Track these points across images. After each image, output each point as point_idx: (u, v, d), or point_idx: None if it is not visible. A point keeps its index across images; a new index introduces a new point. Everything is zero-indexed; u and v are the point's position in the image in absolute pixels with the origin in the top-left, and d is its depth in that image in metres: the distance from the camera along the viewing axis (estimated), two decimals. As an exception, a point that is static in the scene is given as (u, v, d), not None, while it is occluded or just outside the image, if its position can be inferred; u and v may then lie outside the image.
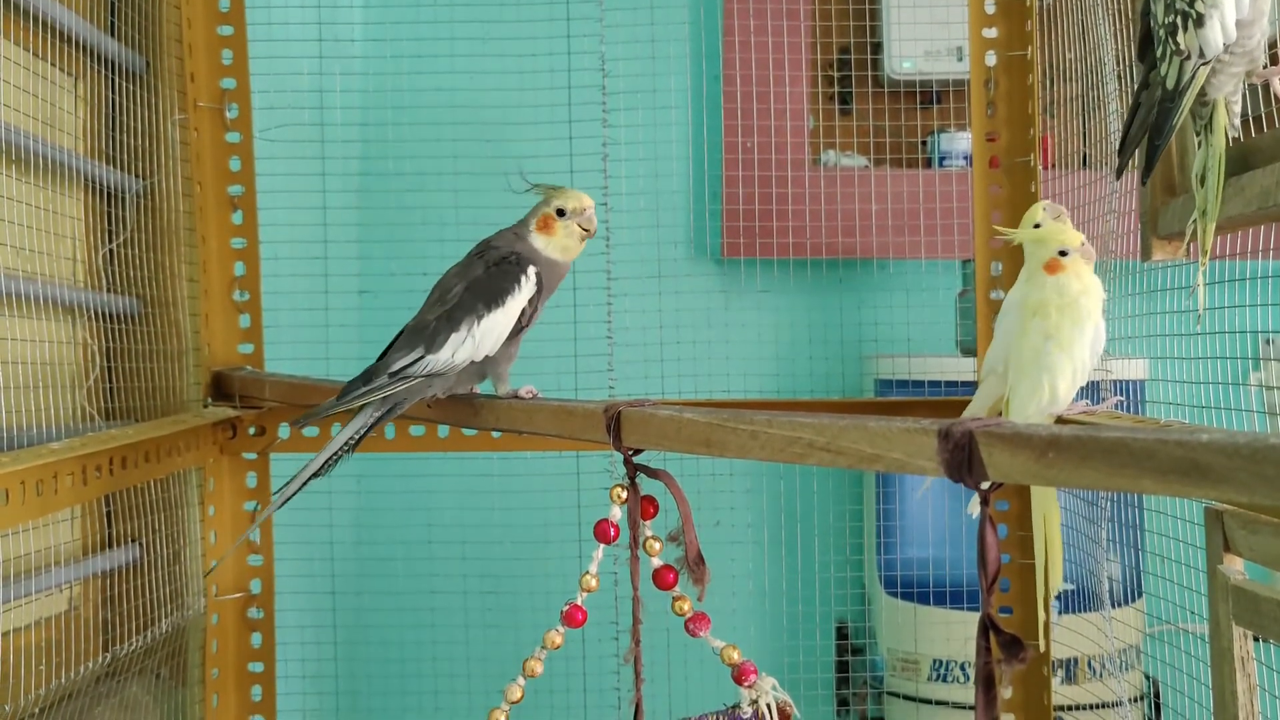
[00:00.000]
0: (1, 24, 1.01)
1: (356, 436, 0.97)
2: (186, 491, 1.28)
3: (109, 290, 1.20)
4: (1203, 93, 0.87)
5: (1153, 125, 0.89)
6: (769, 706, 0.85)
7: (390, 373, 0.96)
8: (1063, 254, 0.99)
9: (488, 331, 0.96)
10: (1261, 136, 0.91)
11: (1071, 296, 0.98)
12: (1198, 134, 0.90)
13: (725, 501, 1.68)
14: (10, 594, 0.97)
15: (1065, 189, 1.36)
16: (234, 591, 1.35)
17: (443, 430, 1.35)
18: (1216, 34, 0.84)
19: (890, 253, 1.84)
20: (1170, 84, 0.86)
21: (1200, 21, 0.83)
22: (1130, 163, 0.96)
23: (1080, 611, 1.49)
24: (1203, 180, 0.89)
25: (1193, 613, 1.06)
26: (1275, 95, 0.88)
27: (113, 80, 1.20)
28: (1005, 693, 1.30)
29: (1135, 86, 0.94)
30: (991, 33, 1.31)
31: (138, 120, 1.22)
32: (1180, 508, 1.11)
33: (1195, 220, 0.89)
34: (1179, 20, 0.85)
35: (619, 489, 0.87)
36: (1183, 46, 0.85)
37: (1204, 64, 0.85)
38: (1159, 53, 0.88)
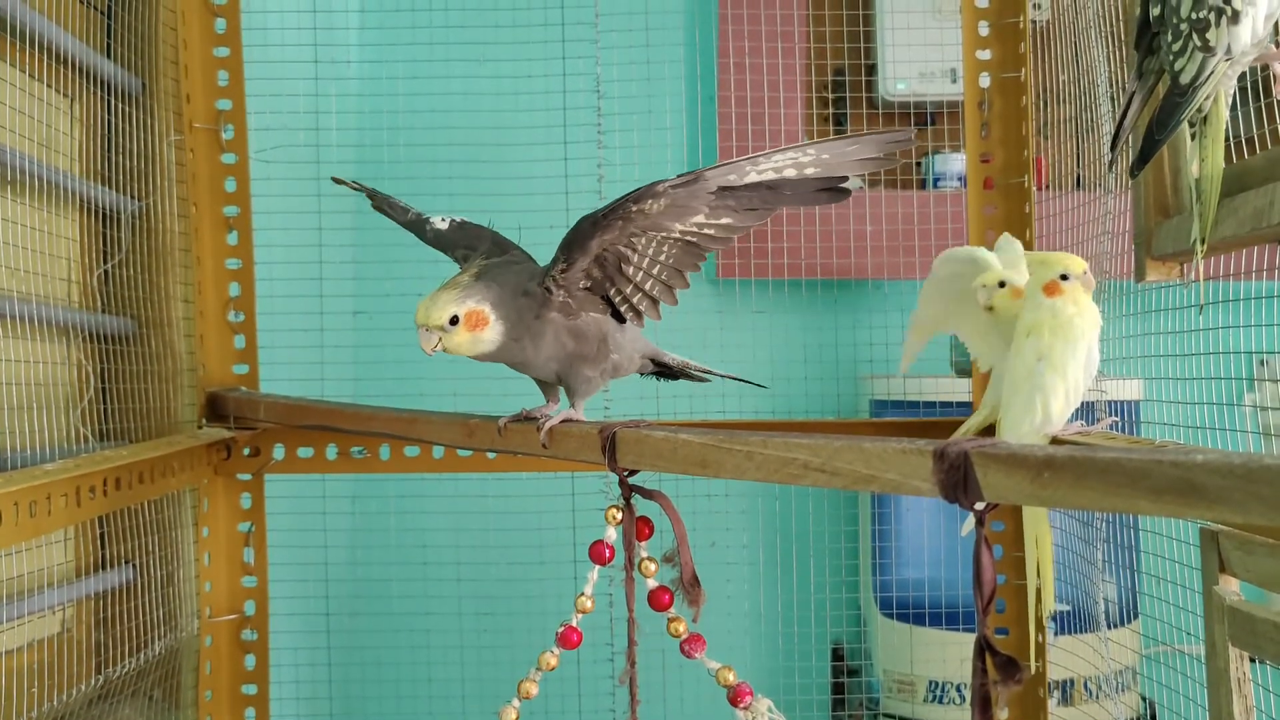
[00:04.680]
0: (-2, 45, 1.01)
1: None
2: (181, 513, 1.27)
3: (104, 311, 1.20)
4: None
5: (1156, 119, 0.87)
6: (765, 728, 0.85)
7: None
8: (1064, 278, 0.99)
9: None
10: (1254, 158, 0.91)
11: (1066, 318, 0.98)
12: (1192, 127, 0.89)
13: (721, 522, 1.68)
14: (3, 616, 0.97)
15: (1059, 210, 1.36)
16: (228, 613, 1.35)
17: (438, 451, 1.34)
18: (1248, 31, 0.82)
19: (885, 273, 1.85)
20: (1186, 79, 0.85)
21: (1235, 19, 0.82)
22: (1121, 161, 0.95)
23: (1076, 632, 1.48)
24: (1199, 186, 0.88)
25: (1189, 634, 1.06)
26: (1274, 75, 0.87)
27: (108, 101, 1.20)
28: (1001, 714, 1.29)
29: (1130, 74, 0.92)
30: (986, 55, 1.31)
31: (133, 141, 1.22)
32: (1176, 528, 1.10)
33: (1196, 220, 0.88)
34: (1211, 16, 0.83)
35: (614, 510, 0.86)
36: (1212, 43, 0.83)
37: (1227, 60, 0.84)
38: (1176, 46, 0.85)
